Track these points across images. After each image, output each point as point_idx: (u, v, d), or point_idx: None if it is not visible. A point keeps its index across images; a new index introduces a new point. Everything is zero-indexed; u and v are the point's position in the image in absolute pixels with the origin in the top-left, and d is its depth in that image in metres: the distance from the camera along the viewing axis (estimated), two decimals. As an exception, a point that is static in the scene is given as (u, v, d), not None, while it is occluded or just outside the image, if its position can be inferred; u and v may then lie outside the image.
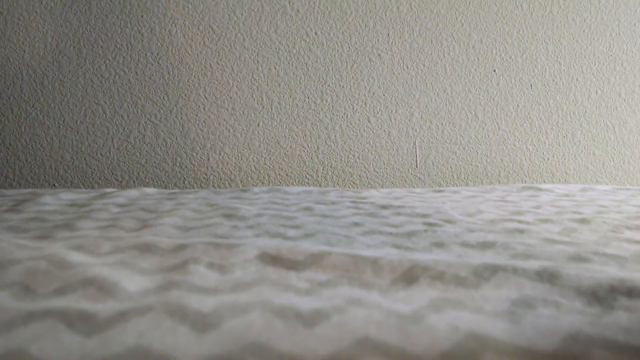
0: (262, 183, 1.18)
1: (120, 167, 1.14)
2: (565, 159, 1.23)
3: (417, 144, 1.21)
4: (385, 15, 1.18)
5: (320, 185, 1.20)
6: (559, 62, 1.19)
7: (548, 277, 0.38)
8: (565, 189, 0.98)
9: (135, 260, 0.41)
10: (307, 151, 1.19)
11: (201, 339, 0.28)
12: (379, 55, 1.19)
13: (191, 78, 1.15)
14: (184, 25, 1.14)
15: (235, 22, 1.15)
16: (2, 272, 0.38)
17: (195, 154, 1.16)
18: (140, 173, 1.15)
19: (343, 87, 1.19)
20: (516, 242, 0.51)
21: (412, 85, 1.20)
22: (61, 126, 1.12)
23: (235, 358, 0.27)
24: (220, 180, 1.17)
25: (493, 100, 1.21)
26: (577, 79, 1.20)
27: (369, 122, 1.20)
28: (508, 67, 1.21)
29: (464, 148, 1.21)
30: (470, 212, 0.68)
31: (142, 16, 1.13)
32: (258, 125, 1.18)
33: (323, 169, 1.19)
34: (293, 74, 1.18)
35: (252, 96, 1.17)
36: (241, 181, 1.18)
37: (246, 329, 0.29)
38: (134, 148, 1.14)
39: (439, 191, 0.95)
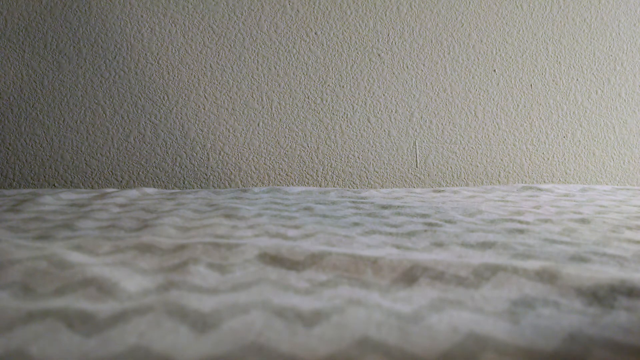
0: (262, 183, 1.18)
1: (120, 167, 1.14)
2: (565, 159, 1.23)
3: (417, 144, 1.21)
4: (385, 15, 1.18)
5: (320, 185, 1.20)
6: (559, 62, 1.19)
7: (548, 277, 0.38)
8: (565, 189, 0.98)
9: (135, 260, 0.41)
10: (307, 151, 1.19)
11: (201, 339, 0.28)
12: (379, 55, 1.19)
13: (191, 78, 1.15)
14: (184, 25, 1.14)
15: (235, 22, 1.15)
16: (2, 272, 0.38)
17: (195, 154, 1.16)
18: (140, 173, 1.15)
19: (343, 87, 1.19)
20: (516, 242, 0.51)
21: (412, 85, 1.20)
22: (61, 126, 1.12)
23: (235, 358, 0.27)
24: (220, 180, 1.17)
25: (493, 100, 1.21)
26: (577, 79, 1.20)
27: (369, 122, 1.20)
28: (508, 67, 1.21)
29: (464, 148, 1.21)
30: (470, 212, 0.68)
31: (142, 16, 1.13)
32: (258, 125, 1.18)
33: (323, 169, 1.19)
34: (293, 74, 1.18)
35: (252, 96, 1.17)
36: (241, 181, 1.18)
37: (246, 329, 0.29)
38: (134, 148, 1.14)
39: (439, 191, 0.95)
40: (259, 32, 1.16)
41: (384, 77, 1.20)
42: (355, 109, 1.20)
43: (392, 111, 1.20)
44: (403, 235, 0.53)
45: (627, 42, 1.18)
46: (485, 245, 0.49)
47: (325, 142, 1.19)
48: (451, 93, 1.21)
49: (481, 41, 1.20)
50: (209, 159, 1.16)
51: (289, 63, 1.17)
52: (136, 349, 0.27)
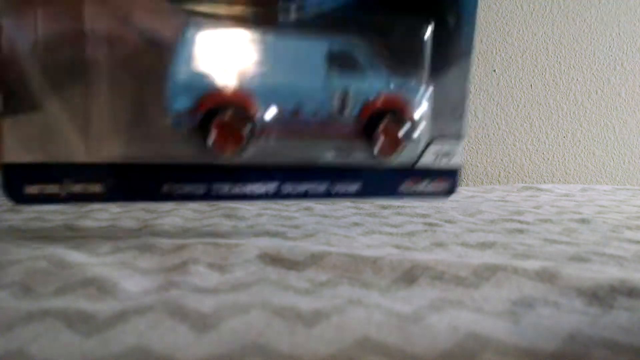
0: (262, 183, 1.18)
1: (120, 167, 1.13)
2: (565, 159, 1.23)
3: (417, 144, 1.20)
4: (385, 15, 1.18)
5: (320, 185, 1.20)
6: (559, 62, 1.19)
7: (548, 277, 0.38)
8: (565, 189, 0.98)
9: (135, 261, 0.41)
10: (307, 151, 1.19)
11: (201, 339, 0.28)
12: (379, 55, 1.19)
13: (191, 78, 1.15)
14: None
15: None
16: (2, 272, 0.38)
17: (195, 154, 1.15)
18: (140, 173, 1.14)
19: (343, 87, 1.19)
20: (516, 242, 0.51)
21: (412, 85, 1.20)
22: (61, 126, 1.12)
23: (236, 358, 0.27)
24: (220, 180, 1.17)
25: (493, 100, 1.21)
26: (577, 79, 1.20)
27: (369, 122, 1.20)
28: (508, 67, 1.21)
29: (464, 148, 1.21)
30: (470, 212, 0.68)
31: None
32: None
33: (323, 169, 1.19)
34: (293, 74, 1.17)
35: (252, 96, 1.17)
36: (241, 181, 1.17)
37: (246, 329, 0.29)
38: (134, 148, 1.14)
39: (439, 191, 0.95)
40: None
41: (384, 77, 1.19)
42: (355, 109, 1.19)
43: (392, 111, 1.20)
44: (403, 235, 0.53)
45: (627, 42, 1.18)
46: (485, 245, 0.49)
47: (325, 142, 1.19)
48: (451, 93, 1.20)
49: (481, 41, 1.20)
50: (209, 159, 1.16)
51: (289, 63, 1.17)
52: (136, 349, 0.27)
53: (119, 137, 0.37)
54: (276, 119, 0.37)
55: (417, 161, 0.47)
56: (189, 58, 0.35)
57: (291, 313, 0.31)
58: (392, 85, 0.40)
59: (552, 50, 1.19)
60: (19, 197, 0.38)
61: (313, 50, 0.37)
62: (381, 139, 0.40)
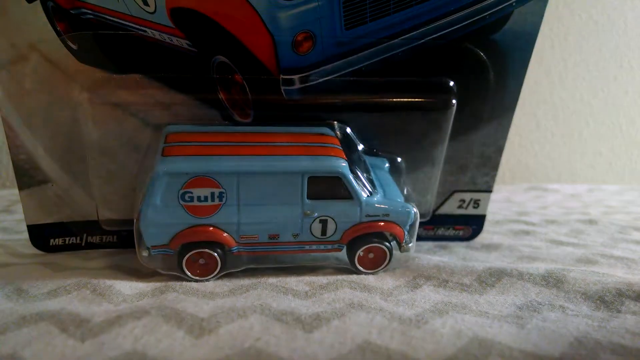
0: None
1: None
2: (571, 158, 1.22)
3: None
4: (389, 14, 1.17)
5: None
6: (565, 60, 1.18)
7: (554, 281, 0.37)
8: (571, 189, 0.97)
9: (132, 263, 0.41)
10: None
11: (198, 343, 0.28)
12: (383, 54, 1.18)
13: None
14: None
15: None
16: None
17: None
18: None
19: (347, 86, 1.18)
20: (522, 244, 0.50)
21: (416, 85, 1.19)
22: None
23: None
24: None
25: (498, 99, 1.20)
26: (583, 77, 1.19)
27: (372, 121, 1.19)
28: (513, 66, 1.20)
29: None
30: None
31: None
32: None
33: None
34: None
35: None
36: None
37: (244, 333, 0.29)
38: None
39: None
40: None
41: (387, 76, 1.19)
42: (359, 108, 1.19)
43: (396, 110, 1.19)
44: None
45: (634, 38, 1.17)
46: (490, 247, 0.48)
47: (329, 142, 1.18)
48: (456, 92, 1.19)
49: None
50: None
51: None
52: (131, 353, 0.27)
53: (124, 200, 0.41)
54: (253, 244, 0.38)
55: (436, 209, 0.47)
56: (162, 197, 0.35)
57: (290, 317, 0.31)
58: (376, 208, 0.38)
59: (557, 48, 1.18)
60: (45, 248, 0.43)
61: (293, 178, 0.36)
62: (363, 260, 0.39)
